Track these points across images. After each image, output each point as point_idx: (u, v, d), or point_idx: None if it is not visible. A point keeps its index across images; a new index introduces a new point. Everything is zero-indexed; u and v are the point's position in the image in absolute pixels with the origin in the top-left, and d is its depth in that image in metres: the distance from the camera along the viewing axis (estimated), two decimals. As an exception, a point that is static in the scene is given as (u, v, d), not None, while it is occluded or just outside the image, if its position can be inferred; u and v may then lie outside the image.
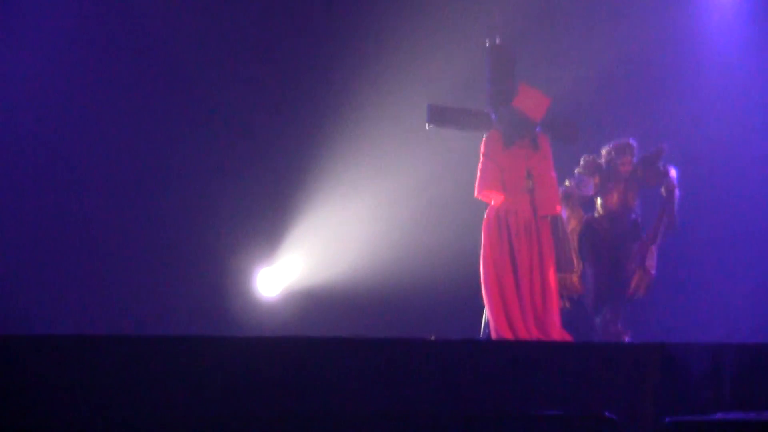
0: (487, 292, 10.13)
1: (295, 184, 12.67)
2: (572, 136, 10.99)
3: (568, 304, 10.52)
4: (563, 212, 10.62)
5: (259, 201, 12.55)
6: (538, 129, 10.46)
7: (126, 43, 12.28)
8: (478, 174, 10.30)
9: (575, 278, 10.58)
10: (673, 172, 10.94)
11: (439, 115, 10.68)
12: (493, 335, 10.02)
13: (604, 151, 11.05)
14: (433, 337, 9.47)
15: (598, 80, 12.97)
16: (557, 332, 10.09)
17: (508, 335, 9.94)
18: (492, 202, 10.30)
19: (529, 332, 9.99)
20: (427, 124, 10.68)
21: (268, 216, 12.58)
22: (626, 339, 10.64)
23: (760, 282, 13.14)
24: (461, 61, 12.38)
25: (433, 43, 12.77)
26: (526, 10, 12.82)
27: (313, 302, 12.49)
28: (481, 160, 10.32)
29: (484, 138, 10.41)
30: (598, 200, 11.05)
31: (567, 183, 10.87)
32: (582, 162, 11.01)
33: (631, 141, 11.03)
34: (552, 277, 10.26)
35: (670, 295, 12.26)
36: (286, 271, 12.65)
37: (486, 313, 10.20)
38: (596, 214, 11.07)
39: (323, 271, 12.59)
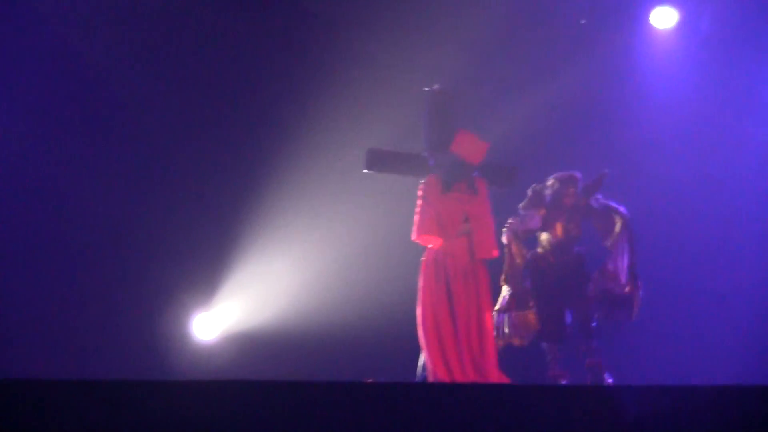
0: (425, 335, 10.14)
1: (232, 230, 12.63)
2: (510, 181, 11.08)
3: (524, 343, 10.58)
4: (510, 250, 10.77)
5: (196, 246, 12.49)
6: (475, 173, 10.52)
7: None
8: (416, 218, 10.32)
9: (531, 315, 10.67)
10: (621, 208, 10.92)
11: (378, 160, 10.73)
12: (430, 378, 10.01)
13: (548, 183, 11.03)
14: (370, 380, 9.46)
15: (537, 125, 13.10)
16: (494, 375, 10.10)
17: (445, 378, 9.94)
18: (430, 246, 10.33)
19: (465, 375, 9.99)
20: (365, 169, 10.73)
21: (205, 261, 12.52)
22: (564, 381, 10.63)
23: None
24: (399, 106, 12.44)
25: (370, 87, 12.82)
26: (467, 55, 12.93)
27: (250, 346, 12.43)
28: (419, 203, 10.35)
29: (422, 182, 10.45)
30: (543, 235, 11.01)
31: (511, 220, 10.91)
32: (529, 193, 11.03)
33: (576, 173, 11.03)
34: (489, 320, 10.28)
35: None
36: (222, 315, 12.58)
37: (423, 356, 10.20)
38: (540, 250, 11.01)
39: (260, 315, 12.55)
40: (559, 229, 10.92)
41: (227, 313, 12.56)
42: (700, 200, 13.50)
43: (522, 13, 13.23)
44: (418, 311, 10.22)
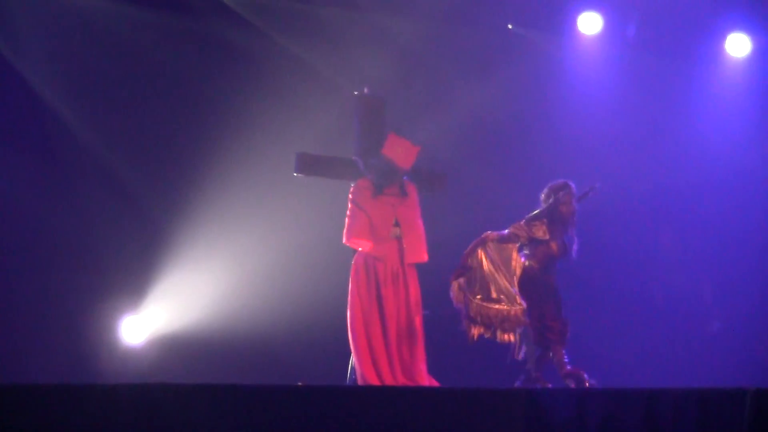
0: (354, 338, 10.16)
1: (160, 233, 12.54)
2: (439, 186, 11.13)
3: (513, 338, 10.35)
4: (517, 255, 10.48)
5: (123, 249, 12.40)
6: (405, 177, 10.56)
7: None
8: (347, 221, 10.33)
9: (519, 310, 10.32)
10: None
11: (307, 164, 10.74)
12: (360, 381, 10.03)
13: (544, 195, 10.68)
14: (300, 384, 9.47)
15: (466, 130, 13.17)
16: (424, 379, 10.14)
17: (375, 381, 9.97)
18: (360, 249, 10.35)
19: (395, 379, 10.03)
20: (295, 173, 10.73)
21: (132, 264, 12.44)
22: (549, 386, 10.38)
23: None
24: (329, 109, 12.46)
25: (300, 91, 12.81)
26: (396, 59, 12.97)
27: (178, 349, 12.38)
28: (350, 207, 10.36)
29: (352, 186, 10.47)
30: (539, 248, 10.58)
31: (515, 225, 10.53)
32: (543, 203, 10.66)
33: (570, 182, 10.69)
34: (418, 324, 10.31)
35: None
36: (150, 318, 12.52)
37: (352, 360, 10.23)
38: (530, 263, 10.57)
39: (188, 318, 12.49)
40: (558, 241, 10.61)
41: (155, 316, 12.50)
42: (631, 201, 13.66)
43: (450, 17, 13.28)
44: (348, 314, 10.24)
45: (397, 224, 10.37)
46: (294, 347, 12.37)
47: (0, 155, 11.81)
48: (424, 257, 10.48)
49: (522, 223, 10.54)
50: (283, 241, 12.62)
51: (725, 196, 13.96)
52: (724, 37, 14.07)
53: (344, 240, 10.35)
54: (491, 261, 10.40)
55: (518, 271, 10.47)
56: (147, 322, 12.48)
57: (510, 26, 13.79)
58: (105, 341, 12.25)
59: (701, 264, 14.09)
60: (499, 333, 10.33)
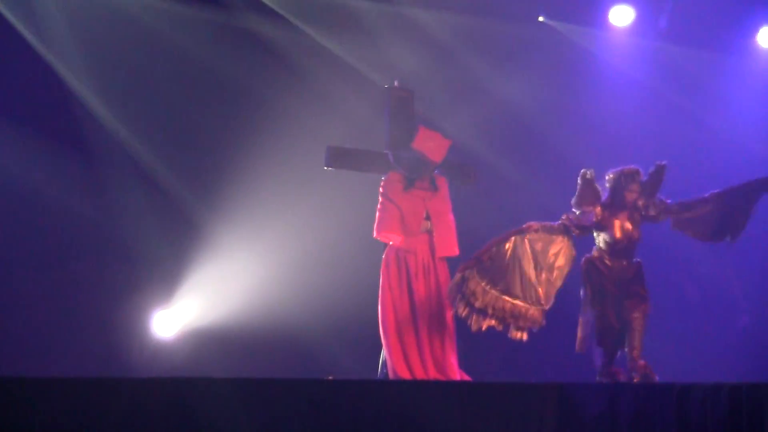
0: (385, 332, 10.16)
1: (193, 227, 12.58)
2: (471, 179, 11.11)
3: (524, 336, 9.90)
4: (557, 246, 9.95)
5: (156, 243, 12.43)
6: (436, 171, 10.54)
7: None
8: (378, 215, 10.33)
9: (537, 312, 9.85)
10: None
11: (338, 157, 10.72)
12: (391, 375, 10.03)
13: (609, 177, 10.02)
14: (330, 377, 9.48)
15: (497, 122, 13.14)
16: (455, 373, 10.13)
17: (406, 375, 9.96)
18: (391, 243, 10.34)
19: (426, 372, 10.02)
20: (325, 166, 10.73)
21: (165, 257, 12.47)
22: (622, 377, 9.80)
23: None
24: (360, 102, 12.45)
25: (331, 84, 12.81)
26: (427, 52, 12.96)
27: (209, 343, 12.40)
28: (381, 200, 10.36)
29: (383, 179, 10.47)
30: (601, 235, 10.00)
31: (564, 217, 10.00)
32: (580, 185, 10.02)
33: (638, 167, 10.09)
34: (449, 317, 10.29)
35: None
36: (182, 312, 12.55)
37: (383, 354, 10.22)
38: (596, 253, 10.01)
39: (219, 312, 12.52)
40: (617, 228, 9.96)
41: (186, 310, 12.53)
42: (662, 193, 13.58)
43: (481, 10, 13.26)
44: (379, 308, 10.24)
45: (427, 218, 10.36)
46: (325, 341, 12.38)
47: (34, 149, 11.85)
48: (455, 251, 10.46)
49: (573, 213, 10.00)
50: (314, 235, 12.62)
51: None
52: (756, 30, 14.00)
53: (375, 234, 10.35)
54: (524, 253, 9.91)
55: (565, 267, 9.98)
56: (179, 316, 12.51)
57: (541, 18, 13.76)
58: (137, 335, 12.30)
59: (731, 257, 13.99)
60: (512, 329, 9.90)
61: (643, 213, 10.02)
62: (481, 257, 9.86)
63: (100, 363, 11.55)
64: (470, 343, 10.64)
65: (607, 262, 9.94)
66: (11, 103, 11.85)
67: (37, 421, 7.25)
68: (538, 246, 9.93)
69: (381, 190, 10.41)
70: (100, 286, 12.08)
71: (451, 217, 10.49)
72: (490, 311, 9.83)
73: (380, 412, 8.04)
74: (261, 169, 12.67)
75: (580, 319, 9.96)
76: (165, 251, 12.43)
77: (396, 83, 11.01)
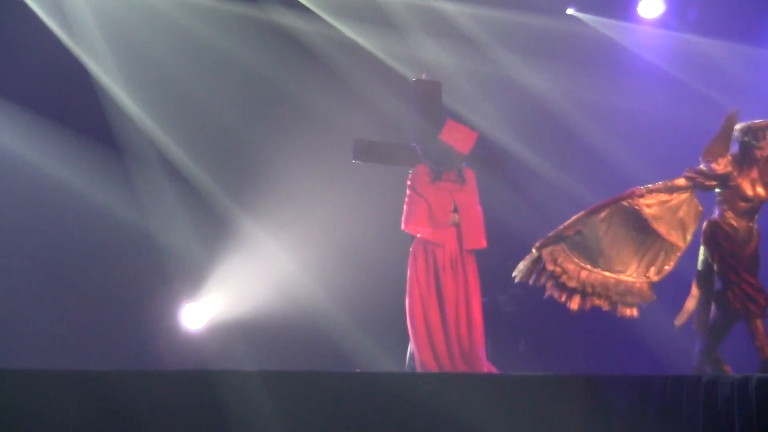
0: (413, 325, 10.14)
1: (220, 220, 12.61)
2: (499, 171, 11.09)
3: (635, 313, 9.21)
4: (678, 204, 9.08)
5: (184, 236, 12.46)
6: (464, 163, 10.53)
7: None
8: (405, 207, 10.31)
9: (645, 286, 9.10)
10: None
11: (365, 150, 10.72)
12: (418, 368, 10.01)
13: (738, 127, 9.04)
14: (358, 370, 9.49)
15: (525, 115, 13.11)
16: (483, 366, 10.11)
17: (434, 368, 9.95)
18: (419, 236, 10.33)
19: (454, 366, 10.00)
20: (353, 159, 10.73)
21: (193, 250, 12.50)
22: (728, 368, 8.86)
23: None
24: (388, 96, 12.44)
25: (359, 77, 12.81)
26: (454, 45, 12.95)
27: (238, 336, 12.43)
28: (408, 193, 10.34)
29: (411, 172, 10.45)
30: (727, 192, 8.99)
31: (688, 169, 9.09)
32: (723, 127, 9.07)
33: None
34: (477, 310, 10.28)
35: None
36: (210, 305, 12.58)
37: (411, 346, 10.21)
38: (719, 215, 8.99)
39: (248, 305, 12.54)
40: (746, 186, 8.95)
41: (215, 303, 12.56)
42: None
43: (509, 2, 13.23)
44: (407, 301, 10.22)
45: (455, 210, 10.34)
46: (352, 334, 12.38)
47: (66, 146, 11.90)
48: (483, 243, 10.43)
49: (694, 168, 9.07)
50: (342, 228, 12.63)
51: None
52: (787, 21, 13.92)
53: (403, 226, 10.33)
54: (629, 221, 9.08)
55: (691, 225, 9.09)
56: (207, 309, 12.54)
57: (569, 11, 13.73)
58: (165, 328, 12.34)
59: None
60: (620, 306, 9.15)
61: None
62: (564, 233, 9.20)
63: (128, 356, 11.60)
64: (498, 336, 10.63)
65: (733, 222, 8.97)
66: (43, 101, 11.90)
67: (68, 414, 7.28)
68: (653, 210, 9.11)
69: (408, 182, 10.38)
70: (129, 278, 12.13)
71: (478, 209, 10.46)
72: (589, 289, 9.14)
73: (408, 404, 8.04)
74: (289, 163, 12.68)
75: (695, 291, 9.11)
76: (194, 245, 12.47)
77: (424, 76, 11.00)
